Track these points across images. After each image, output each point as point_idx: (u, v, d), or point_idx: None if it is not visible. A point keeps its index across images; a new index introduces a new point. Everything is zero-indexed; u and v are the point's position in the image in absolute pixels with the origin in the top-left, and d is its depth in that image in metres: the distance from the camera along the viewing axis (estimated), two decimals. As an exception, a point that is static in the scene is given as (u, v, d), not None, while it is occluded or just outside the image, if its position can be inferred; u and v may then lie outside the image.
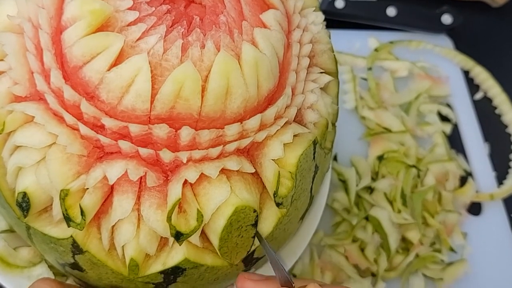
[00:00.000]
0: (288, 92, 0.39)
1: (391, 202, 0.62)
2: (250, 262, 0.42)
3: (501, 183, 0.69)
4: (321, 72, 0.43)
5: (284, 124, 0.39)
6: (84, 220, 0.35)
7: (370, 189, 0.63)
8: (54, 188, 0.35)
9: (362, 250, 0.60)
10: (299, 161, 0.38)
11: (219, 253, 0.38)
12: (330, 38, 0.45)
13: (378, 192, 0.63)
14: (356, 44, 0.75)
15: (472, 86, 0.76)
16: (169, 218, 0.35)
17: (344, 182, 0.63)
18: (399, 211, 0.61)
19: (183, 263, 0.37)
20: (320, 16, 0.44)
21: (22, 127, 0.36)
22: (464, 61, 0.76)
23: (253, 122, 0.37)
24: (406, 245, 0.61)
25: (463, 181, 0.68)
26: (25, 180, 0.36)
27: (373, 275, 0.60)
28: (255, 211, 0.37)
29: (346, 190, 0.63)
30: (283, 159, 0.38)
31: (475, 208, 0.67)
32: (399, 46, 0.76)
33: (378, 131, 0.68)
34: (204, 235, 0.38)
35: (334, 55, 0.45)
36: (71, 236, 0.37)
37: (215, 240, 0.37)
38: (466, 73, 0.77)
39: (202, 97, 0.35)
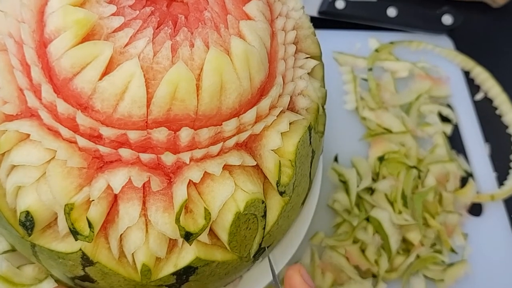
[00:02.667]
0: (279, 81, 0.39)
1: (391, 203, 0.62)
2: (258, 252, 0.43)
3: (501, 183, 0.69)
4: (307, 57, 0.43)
5: (279, 113, 0.39)
6: (93, 232, 0.35)
7: (370, 190, 0.63)
8: (57, 204, 0.35)
9: (363, 251, 0.60)
10: (297, 148, 0.39)
11: (228, 248, 0.38)
12: (310, 22, 0.46)
13: (378, 193, 0.63)
14: (357, 45, 0.75)
15: (473, 86, 0.76)
16: (177, 220, 0.35)
17: (344, 183, 0.63)
18: (400, 212, 0.61)
19: (194, 262, 0.38)
20: (299, 2, 0.45)
21: (17, 146, 0.36)
22: (465, 61, 0.76)
23: (249, 116, 0.37)
24: (406, 246, 0.62)
25: (463, 182, 0.68)
26: (27, 199, 0.36)
27: (374, 276, 0.60)
28: (263, 202, 0.37)
29: (347, 191, 0.63)
30: (282, 148, 0.38)
31: (475, 209, 0.67)
32: (399, 46, 0.75)
33: (379, 131, 0.67)
34: (211, 232, 0.39)
35: (316, 38, 0.46)
36: (80, 249, 0.37)
37: (224, 236, 0.38)
38: (466, 73, 0.77)
39: (198, 96, 0.35)
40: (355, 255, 0.59)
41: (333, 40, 0.75)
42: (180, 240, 0.37)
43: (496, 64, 0.77)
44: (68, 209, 0.35)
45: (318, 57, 0.45)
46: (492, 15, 0.84)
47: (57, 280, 0.45)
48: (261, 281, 0.48)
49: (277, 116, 0.39)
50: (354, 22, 0.76)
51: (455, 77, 0.75)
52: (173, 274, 0.38)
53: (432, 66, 0.74)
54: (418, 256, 0.61)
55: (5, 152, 0.36)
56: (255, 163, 0.38)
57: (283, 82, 0.40)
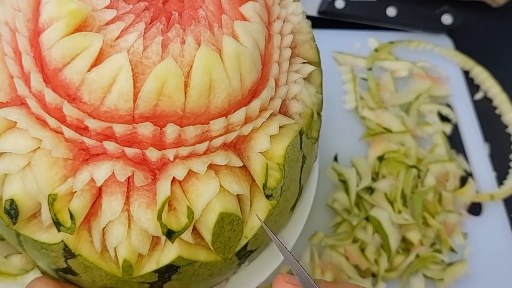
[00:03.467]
0: (271, 84, 0.39)
1: (391, 203, 0.62)
2: (244, 255, 0.42)
3: (501, 183, 0.69)
4: (304, 62, 0.43)
5: (270, 116, 0.39)
6: (74, 224, 0.35)
7: (370, 190, 0.63)
8: (41, 194, 0.35)
9: (363, 250, 0.60)
10: (287, 152, 0.38)
11: (212, 248, 0.38)
12: (311, 28, 0.45)
13: (378, 193, 0.63)
14: (356, 44, 0.75)
15: (472, 86, 0.76)
16: (159, 217, 0.35)
17: (344, 183, 0.63)
18: (400, 212, 0.61)
19: (176, 260, 0.37)
20: (300, 7, 0.44)
21: (5, 133, 0.36)
22: (464, 61, 0.76)
23: (238, 116, 0.37)
24: (406, 245, 0.61)
25: (463, 181, 0.68)
26: (12, 187, 0.36)
27: (374, 275, 0.60)
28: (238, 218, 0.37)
29: (347, 191, 0.63)
30: (270, 151, 0.38)
31: (475, 209, 0.67)
32: (399, 46, 0.75)
33: (378, 131, 0.67)
34: (196, 232, 0.38)
35: (315, 44, 0.45)
36: (62, 241, 0.36)
37: (207, 236, 0.37)
38: (466, 73, 0.77)
39: (186, 93, 0.35)
40: (354, 255, 0.59)
41: (332, 40, 0.75)
42: (163, 238, 0.37)
43: (495, 64, 0.77)
44: (51, 200, 0.34)
45: (317, 63, 0.45)
46: (492, 14, 0.84)
47: (43, 272, 0.45)
48: (248, 285, 0.48)
49: (267, 119, 0.39)
50: (353, 21, 0.76)
51: (454, 77, 0.75)
52: (155, 271, 0.38)
53: (432, 65, 0.74)
54: (417, 256, 0.61)
55: None
56: (241, 164, 0.38)
57: (276, 85, 0.40)
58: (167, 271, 0.38)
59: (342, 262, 0.59)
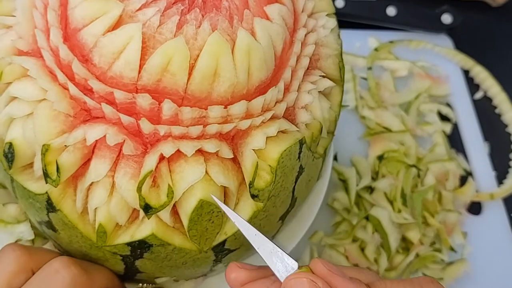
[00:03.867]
0: (280, 86, 0.39)
1: (391, 202, 0.62)
2: (220, 252, 0.42)
3: (501, 182, 0.69)
4: (323, 76, 0.42)
5: (272, 117, 0.39)
6: (59, 177, 0.36)
7: (370, 189, 0.63)
8: (37, 143, 0.36)
9: (362, 249, 0.60)
10: (281, 157, 0.38)
11: (187, 235, 0.38)
12: (341, 46, 0.45)
13: (378, 192, 0.63)
14: (356, 44, 0.75)
15: (472, 85, 0.76)
16: (139, 189, 0.35)
17: (344, 182, 0.63)
18: (399, 211, 0.61)
19: (150, 238, 0.38)
20: (332, 22, 0.44)
21: (19, 80, 0.37)
22: (464, 60, 0.76)
23: (237, 108, 0.37)
24: (406, 244, 0.61)
25: (463, 180, 0.68)
26: (13, 132, 0.38)
27: (373, 274, 0.60)
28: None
29: (346, 190, 0.63)
30: (265, 152, 0.38)
31: (475, 208, 0.67)
32: (399, 45, 0.76)
33: (378, 130, 0.68)
34: (177, 216, 0.39)
35: (341, 63, 0.45)
36: (46, 192, 0.37)
37: (185, 220, 0.37)
38: (466, 72, 0.77)
39: (190, 75, 0.35)
40: (354, 254, 0.59)
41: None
42: (142, 213, 0.37)
43: (495, 63, 0.77)
44: (44, 150, 0.35)
45: (338, 81, 0.44)
46: (492, 14, 0.84)
47: (33, 226, 0.46)
48: None
49: (268, 120, 0.39)
50: (353, 21, 0.76)
51: (454, 76, 0.75)
52: (128, 244, 0.38)
53: (432, 65, 0.74)
54: (417, 255, 0.60)
55: (7, 84, 0.38)
56: (231, 156, 0.38)
57: (287, 90, 0.40)
58: (140, 247, 0.39)
59: (342, 261, 0.59)
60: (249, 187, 0.37)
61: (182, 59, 0.35)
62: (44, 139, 0.36)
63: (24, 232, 0.47)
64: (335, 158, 0.66)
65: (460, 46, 0.79)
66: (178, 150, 0.36)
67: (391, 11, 0.76)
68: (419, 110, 0.71)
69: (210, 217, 0.38)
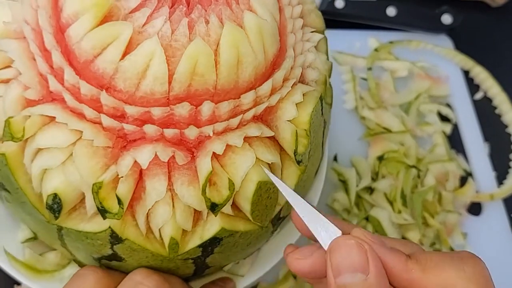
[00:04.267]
0: (291, 54, 0.41)
1: (391, 203, 0.62)
2: (277, 222, 0.44)
3: (501, 183, 0.69)
4: (313, 31, 0.44)
5: (292, 85, 0.40)
6: (122, 208, 0.36)
7: (370, 190, 0.63)
8: (85, 184, 0.36)
9: (362, 250, 0.60)
10: (311, 118, 0.40)
11: (251, 218, 0.40)
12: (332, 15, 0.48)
13: (378, 193, 0.63)
14: (356, 44, 0.75)
15: (472, 86, 0.77)
16: (203, 191, 0.36)
17: (344, 183, 0.63)
18: (399, 212, 0.61)
19: (220, 233, 0.39)
20: None
21: (42, 130, 0.36)
22: (464, 61, 0.76)
23: (265, 88, 0.38)
24: (406, 245, 0.62)
25: (463, 181, 0.68)
26: (53, 181, 0.37)
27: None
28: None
29: (346, 191, 0.63)
30: (296, 118, 0.39)
31: (475, 208, 0.67)
32: (399, 46, 0.75)
33: (378, 131, 0.68)
34: (233, 204, 0.40)
35: (320, 13, 0.47)
36: (110, 227, 0.37)
37: (247, 206, 0.39)
38: (466, 73, 0.77)
39: (216, 70, 0.36)
40: (354, 254, 0.59)
41: (332, 40, 0.74)
42: (205, 212, 0.39)
43: (495, 64, 0.78)
44: (97, 188, 0.35)
45: (322, 31, 0.47)
46: (492, 14, 0.84)
47: (80, 265, 0.45)
48: (278, 254, 0.49)
49: (291, 88, 0.40)
50: (353, 21, 0.76)
51: (454, 77, 0.75)
52: (199, 246, 0.39)
53: (432, 65, 0.74)
54: (417, 255, 0.61)
55: (28, 138, 0.37)
56: (273, 134, 0.39)
57: (294, 55, 0.41)
58: (211, 244, 0.40)
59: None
60: (294, 155, 0.39)
61: (207, 59, 0.35)
62: (91, 178, 0.35)
63: (74, 273, 0.45)
64: (335, 159, 0.66)
65: (460, 46, 0.79)
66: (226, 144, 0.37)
67: (391, 11, 0.76)
68: (419, 110, 0.71)
69: (268, 194, 0.39)
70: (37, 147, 0.36)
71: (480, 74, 0.76)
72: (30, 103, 0.37)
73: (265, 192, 0.39)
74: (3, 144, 0.37)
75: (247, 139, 0.38)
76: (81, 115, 0.36)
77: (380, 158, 0.65)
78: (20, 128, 0.36)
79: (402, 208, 0.61)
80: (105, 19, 0.35)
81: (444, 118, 0.72)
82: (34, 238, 0.47)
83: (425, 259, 0.34)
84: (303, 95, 0.40)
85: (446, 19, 0.76)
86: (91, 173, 0.35)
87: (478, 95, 0.76)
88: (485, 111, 0.75)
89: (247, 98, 0.37)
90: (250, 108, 0.38)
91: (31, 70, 0.37)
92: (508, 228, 0.66)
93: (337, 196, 0.63)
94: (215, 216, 0.38)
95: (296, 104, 0.39)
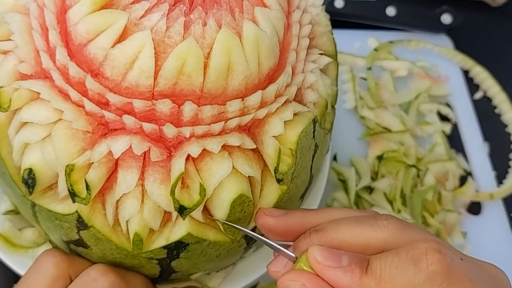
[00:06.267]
0: (288, 70, 0.40)
1: (391, 202, 0.62)
2: (251, 240, 0.43)
3: (501, 182, 0.69)
4: (321, 54, 0.44)
5: (285, 102, 0.40)
6: (90, 194, 0.36)
7: (369, 189, 0.63)
8: (59, 164, 0.36)
9: (362, 250, 0.60)
10: (299, 139, 0.39)
11: (221, 228, 0.39)
12: (329, 21, 0.46)
13: (377, 192, 0.63)
14: (356, 44, 0.75)
15: (472, 85, 0.76)
16: (172, 192, 0.36)
17: (343, 182, 0.63)
18: (399, 211, 0.61)
19: (186, 237, 0.38)
20: (319, 0, 0.45)
21: (28, 104, 0.37)
22: (464, 60, 0.76)
23: (254, 99, 0.38)
24: (406, 244, 0.61)
25: (462, 180, 0.68)
26: (31, 157, 0.37)
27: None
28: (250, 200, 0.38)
29: (346, 190, 0.63)
30: (284, 136, 0.39)
31: (475, 208, 0.67)
32: (398, 45, 0.75)
33: (378, 130, 0.68)
34: (206, 211, 0.39)
35: (333, 37, 0.47)
36: (76, 211, 0.37)
37: (220, 215, 0.38)
38: (465, 72, 0.77)
39: (204, 73, 0.36)
40: (354, 254, 0.59)
41: (332, 39, 0.75)
42: (174, 214, 0.38)
43: (495, 63, 0.77)
44: (69, 170, 0.35)
45: (333, 56, 0.46)
46: (492, 14, 0.84)
47: (55, 246, 0.45)
48: (255, 272, 0.49)
49: (282, 105, 0.39)
50: (353, 21, 0.76)
51: (454, 76, 0.75)
52: (164, 247, 0.39)
53: (431, 65, 0.74)
54: (417, 255, 0.61)
55: (16, 110, 0.37)
56: (254, 146, 0.38)
57: (293, 73, 0.41)
58: (176, 248, 0.39)
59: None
60: (275, 173, 0.38)
61: (196, 60, 0.35)
62: (66, 160, 0.36)
63: None
64: (335, 158, 0.66)
65: (460, 46, 0.78)
66: (203, 149, 0.37)
67: (390, 11, 0.76)
68: (418, 110, 0.71)
69: (242, 207, 0.39)
70: (21, 121, 0.37)
71: (480, 73, 0.76)
72: (23, 77, 0.38)
73: (239, 205, 0.38)
74: (-8, 112, 0.38)
75: (228, 148, 0.37)
76: (67, 96, 0.37)
77: (380, 158, 0.65)
78: (8, 99, 0.37)
79: (402, 208, 0.61)
80: (105, 6, 0.36)
81: (443, 118, 0.72)
82: (16, 212, 0.47)
83: (379, 269, 0.32)
84: (296, 114, 0.39)
85: (446, 19, 0.76)
86: (67, 155, 0.36)
87: (478, 95, 0.76)
88: (484, 110, 0.75)
89: (233, 106, 0.37)
90: (236, 117, 0.38)
91: (29, 45, 0.37)
92: (508, 228, 0.66)
93: (336, 195, 0.63)
94: (184, 220, 0.38)
95: (285, 122, 0.39)
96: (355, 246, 0.34)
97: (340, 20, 0.76)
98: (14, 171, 0.39)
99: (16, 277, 0.49)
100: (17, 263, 0.46)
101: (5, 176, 0.40)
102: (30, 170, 0.37)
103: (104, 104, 0.36)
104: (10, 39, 0.38)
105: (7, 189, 0.42)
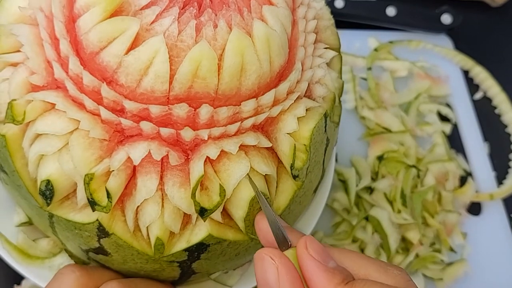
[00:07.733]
0: (298, 67, 0.40)
1: (391, 202, 0.62)
2: None
3: (501, 183, 0.69)
4: (326, 48, 0.44)
5: (296, 98, 0.40)
6: (111, 202, 0.36)
7: (370, 189, 0.63)
8: (78, 174, 0.36)
9: (362, 250, 0.60)
10: (312, 134, 0.39)
11: (242, 227, 0.39)
12: (331, 14, 0.47)
13: (378, 192, 0.63)
14: (356, 44, 0.75)
15: (472, 85, 0.76)
16: (193, 195, 0.36)
17: (344, 182, 0.63)
18: (399, 211, 0.61)
19: (207, 239, 0.38)
20: None
21: (42, 116, 0.37)
22: (464, 60, 0.76)
23: (267, 98, 0.38)
24: (406, 245, 0.62)
25: (463, 181, 0.68)
26: (48, 168, 0.37)
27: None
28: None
29: (346, 190, 0.63)
30: (297, 132, 0.39)
31: (475, 208, 0.67)
32: (398, 46, 0.76)
33: (378, 131, 0.68)
34: (224, 212, 0.39)
35: (336, 31, 0.47)
36: (97, 220, 0.37)
37: (239, 214, 0.38)
38: (465, 72, 0.77)
39: (218, 75, 0.36)
40: (354, 254, 0.59)
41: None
42: (194, 217, 0.38)
43: (495, 63, 0.78)
44: (88, 179, 0.36)
45: (337, 49, 0.46)
46: (492, 14, 0.84)
47: (70, 255, 0.45)
48: None
49: (294, 101, 0.40)
50: (353, 21, 0.77)
51: (454, 76, 0.76)
52: (186, 250, 0.39)
53: (431, 65, 0.75)
54: (417, 255, 0.61)
55: (29, 122, 0.37)
56: (270, 145, 0.39)
57: (302, 69, 0.41)
58: (197, 250, 0.39)
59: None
60: (291, 170, 0.39)
61: (210, 63, 0.35)
62: (84, 169, 0.36)
63: (64, 263, 0.46)
64: (335, 159, 0.66)
65: (460, 46, 0.78)
66: (221, 150, 0.37)
67: (391, 11, 0.76)
68: (419, 110, 0.71)
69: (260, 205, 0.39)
70: (36, 132, 0.37)
71: (480, 74, 0.76)
72: (35, 88, 0.37)
73: (258, 203, 0.38)
74: (5, 126, 0.38)
75: (244, 147, 0.38)
76: (81, 105, 0.37)
77: (380, 158, 0.65)
78: (22, 112, 0.36)
79: (402, 208, 0.61)
80: (115, 13, 0.36)
81: (444, 118, 0.72)
82: (30, 223, 0.47)
83: None
84: (307, 110, 0.40)
85: (446, 19, 0.76)
86: (85, 164, 0.36)
87: (478, 95, 0.76)
88: (484, 111, 0.75)
89: (248, 106, 0.37)
90: (250, 117, 0.38)
91: (39, 56, 0.37)
92: (508, 228, 0.66)
93: (337, 196, 0.63)
94: (204, 222, 0.38)
95: (298, 118, 0.39)
96: None
97: (340, 20, 0.75)
98: (30, 183, 0.39)
99: (16, 277, 0.49)
100: (36, 275, 0.46)
101: (20, 189, 0.40)
102: (48, 182, 0.37)
103: (119, 111, 0.36)
104: (19, 51, 0.38)
105: (22, 201, 0.42)
